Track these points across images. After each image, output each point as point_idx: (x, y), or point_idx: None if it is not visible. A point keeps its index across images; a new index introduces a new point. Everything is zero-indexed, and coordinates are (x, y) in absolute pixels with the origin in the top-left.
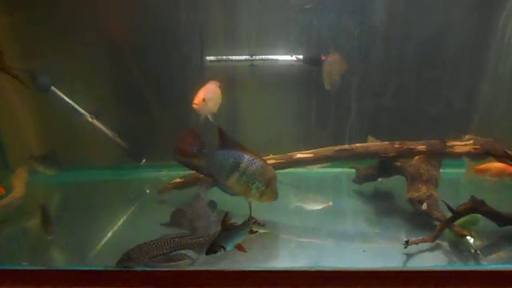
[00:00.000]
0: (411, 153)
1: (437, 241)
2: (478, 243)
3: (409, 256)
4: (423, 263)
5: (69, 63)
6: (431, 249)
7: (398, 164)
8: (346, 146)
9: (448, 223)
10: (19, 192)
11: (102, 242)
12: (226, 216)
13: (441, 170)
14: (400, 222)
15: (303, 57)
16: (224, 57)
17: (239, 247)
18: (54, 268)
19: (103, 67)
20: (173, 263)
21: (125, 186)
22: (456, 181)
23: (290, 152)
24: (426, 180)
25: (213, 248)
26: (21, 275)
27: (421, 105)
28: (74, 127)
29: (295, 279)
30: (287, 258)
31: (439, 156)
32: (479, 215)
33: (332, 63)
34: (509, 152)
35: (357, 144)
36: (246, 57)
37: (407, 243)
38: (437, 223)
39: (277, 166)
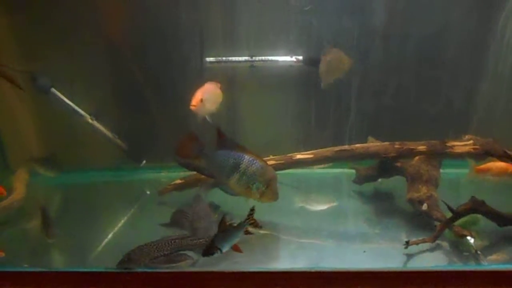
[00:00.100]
0: (411, 153)
1: (438, 242)
2: (479, 243)
3: (409, 256)
4: (423, 264)
5: (69, 64)
6: (431, 250)
7: (398, 164)
8: (346, 147)
9: (448, 223)
10: (19, 193)
11: (103, 244)
12: (224, 218)
13: (441, 171)
14: (400, 223)
15: (303, 58)
16: (224, 58)
17: (235, 248)
18: (55, 269)
19: (103, 69)
20: (174, 264)
21: (125, 188)
22: (456, 182)
23: (290, 153)
24: (426, 181)
25: (210, 249)
26: (21, 276)
27: (421, 105)
28: (74, 129)
29: (296, 279)
30: (287, 259)
31: (439, 156)
32: (479, 215)
33: (330, 62)
34: (509, 152)
35: (357, 145)
36: (246, 58)
37: (407, 243)
38: (437, 223)
39: (277, 167)
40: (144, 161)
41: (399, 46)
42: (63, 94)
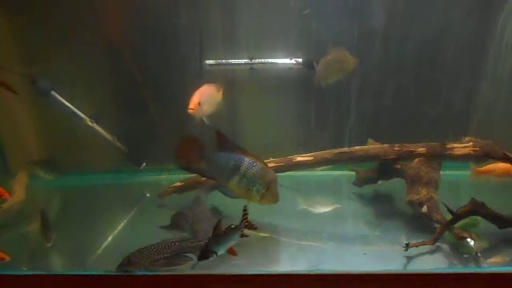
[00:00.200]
0: (411, 155)
1: (438, 244)
2: (479, 245)
3: (409, 258)
4: (423, 266)
5: (69, 66)
6: (431, 252)
7: (398, 166)
8: (345, 149)
9: (448, 225)
10: (19, 196)
11: (103, 246)
12: (218, 223)
13: (441, 172)
14: (400, 225)
15: (302, 61)
16: (223, 60)
17: (231, 251)
18: (54, 273)
19: (103, 71)
20: (173, 267)
21: (125, 190)
22: (456, 183)
23: (290, 155)
24: (426, 183)
25: (205, 253)
26: (20, 279)
27: (420, 107)
28: (74, 131)
29: (296, 282)
30: (287, 261)
31: (439, 158)
32: (479, 217)
33: (329, 61)
34: (508, 154)
35: (357, 147)
36: (246, 60)
37: (407, 245)
38: (437, 225)
39: (277, 169)
40: (144, 164)
41: (399, 48)
42: (63, 96)
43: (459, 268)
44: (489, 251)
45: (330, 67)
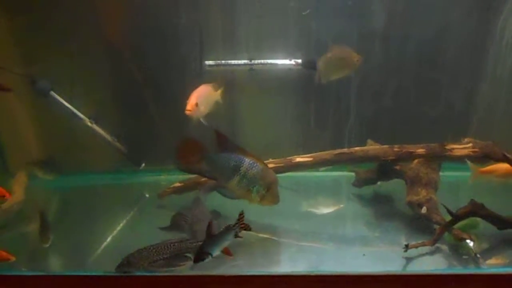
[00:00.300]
0: (411, 156)
1: (437, 245)
2: (478, 246)
3: (409, 259)
4: (423, 267)
5: (69, 67)
6: (431, 253)
7: (397, 167)
8: (345, 150)
9: (448, 226)
10: (18, 196)
11: (102, 247)
12: (209, 225)
13: (440, 173)
14: (399, 226)
15: (302, 61)
16: (223, 61)
17: (226, 251)
18: (53, 273)
19: (103, 71)
20: (173, 268)
21: (124, 191)
22: (455, 185)
23: (289, 156)
24: (425, 184)
25: (200, 255)
26: (19, 280)
27: (420, 107)
28: (73, 132)
29: (295, 283)
30: (287, 262)
31: (438, 159)
32: (478, 219)
33: (330, 59)
34: (508, 155)
35: (357, 148)
36: (245, 61)
37: (407, 246)
38: (436, 226)
39: (276, 170)
40: (144, 164)
41: (399, 48)
42: (62, 97)
43: (458, 269)
44: (488, 252)
45: (331, 65)
